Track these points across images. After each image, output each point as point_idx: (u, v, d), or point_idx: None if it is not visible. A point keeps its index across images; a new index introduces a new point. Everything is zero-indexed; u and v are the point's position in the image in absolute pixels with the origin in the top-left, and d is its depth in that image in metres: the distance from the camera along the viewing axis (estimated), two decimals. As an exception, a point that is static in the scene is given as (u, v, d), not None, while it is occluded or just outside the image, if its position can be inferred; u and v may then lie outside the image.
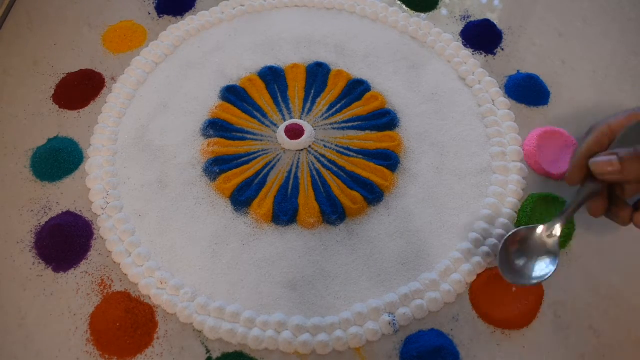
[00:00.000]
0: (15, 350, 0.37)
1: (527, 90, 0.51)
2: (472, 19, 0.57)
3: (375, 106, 0.49)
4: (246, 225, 0.43)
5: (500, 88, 0.51)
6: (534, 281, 0.37)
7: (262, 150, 0.47)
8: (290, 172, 0.46)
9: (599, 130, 0.36)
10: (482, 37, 0.55)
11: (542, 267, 0.37)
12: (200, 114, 0.49)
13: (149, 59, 0.53)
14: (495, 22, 0.56)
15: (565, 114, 0.50)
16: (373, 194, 0.44)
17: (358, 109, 0.49)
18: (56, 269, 0.41)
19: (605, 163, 0.34)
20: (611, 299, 0.40)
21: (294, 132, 0.47)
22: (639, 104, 0.50)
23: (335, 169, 0.46)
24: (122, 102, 0.50)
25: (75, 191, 0.45)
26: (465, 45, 0.54)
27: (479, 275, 0.40)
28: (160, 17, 0.56)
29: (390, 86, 0.51)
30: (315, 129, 0.48)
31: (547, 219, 0.43)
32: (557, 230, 0.37)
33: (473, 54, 0.54)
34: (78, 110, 0.49)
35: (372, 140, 0.47)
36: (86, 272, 0.41)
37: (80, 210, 0.44)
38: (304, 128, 0.47)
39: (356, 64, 0.53)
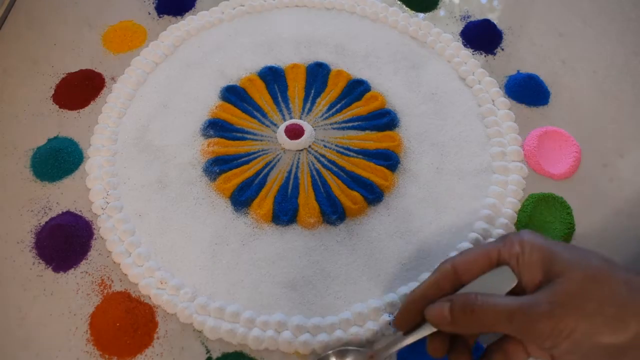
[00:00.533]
0: (15, 350, 0.37)
1: (527, 90, 0.51)
2: (472, 19, 0.57)
3: (375, 106, 0.49)
4: (246, 225, 0.43)
5: (500, 88, 0.51)
6: None
7: (262, 150, 0.47)
8: (290, 172, 0.46)
9: (441, 270, 0.32)
10: (482, 37, 0.55)
11: None
12: (200, 114, 0.49)
13: (149, 59, 0.53)
14: (495, 22, 0.56)
15: (565, 114, 0.50)
16: (373, 194, 0.44)
17: (358, 109, 0.49)
18: (56, 269, 0.41)
19: (436, 312, 0.31)
20: (611, 299, 0.40)
21: (294, 132, 0.47)
22: (639, 104, 0.50)
23: (335, 169, 0.46)
24: (122, 102, 0.50)
25: (75, 191, 0.45)
26: (465, 45, 0.54)
27: (479, 275, 0.40)
28: (160, 17, 0.56)
29: (390, 86, 0.51)
30: (315, 129, 0.48)
31: (547, 219, 0.43)
32: None
33: (473, 54, 0.54)
34: (78, 110, 0.49)
35: (372, 140, 0.47)
36: (86, 272, 0.41)
37: (80, 210, 0.44)
38: (304, 128, 0.47)
39: (356, 64, 0.53)
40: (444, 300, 0.31)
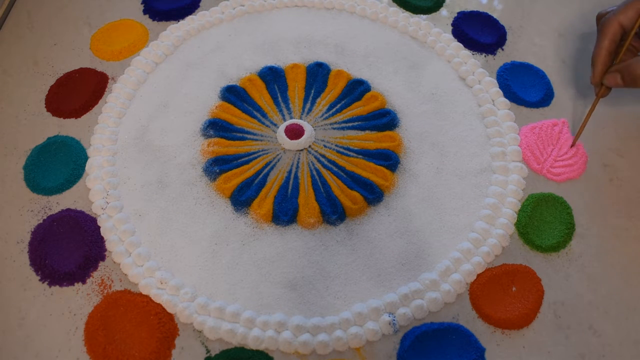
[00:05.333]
0: (15, 350, 0.37)
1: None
2: (472, 19, 0.57)
3: (375, 106, 0.49)
4: (246, 225, 0.43)
5: (500, 88, 0.51)
6: None
7: (262, 150, 0.47)
8: (290, 172, 0.46)
9: (612, 32, 0.43)
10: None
11: None
12: (200, 114, 0.49)
13: (149, 59, 0.53)
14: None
15: (565, 114, 0.50)
16: (373, 194, 0.44)
17: (358, 109, 0.49)
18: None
19: (612, 81, 0.44)
20: (611, 299, 0.40)
21: (294, 132, 0.47)
22: (639, 104, 0.50)
23: (335, 169, 0.46)
24: (122, 102, 0.50)
25: (75, 191, 0.45)
26: (465, 46, 0.54)
27: (479, 275, 0.40)
28: (160, 17, 0.56)
29: (390, 86, 0.51)
30: (315, 129, 0.48)
31: (547, 219, 0.43)
32: None
33: (473, 54, 0.54)
34: (78, 112, 0.49)
35: (372, 140, 0.47)
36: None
37: (81, 210, 0.44)
38: (304, 128, 0.47)
39: (356, 64, 0.53)
40: (614, 71, 0.43)
